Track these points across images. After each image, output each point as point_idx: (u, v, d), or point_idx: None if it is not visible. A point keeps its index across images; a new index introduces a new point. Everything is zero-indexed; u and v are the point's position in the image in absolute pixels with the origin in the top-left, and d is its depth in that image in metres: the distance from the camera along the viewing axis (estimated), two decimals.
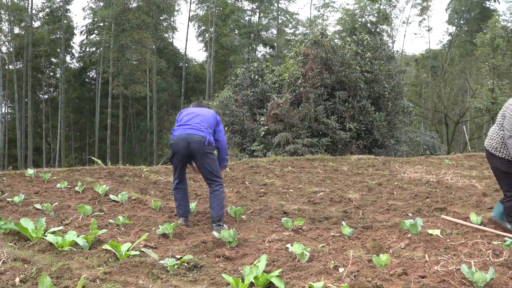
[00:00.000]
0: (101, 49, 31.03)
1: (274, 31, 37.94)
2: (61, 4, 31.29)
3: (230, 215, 5.00)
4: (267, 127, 13.28)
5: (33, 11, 30.76)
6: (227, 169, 8.90)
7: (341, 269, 3.20)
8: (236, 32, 35.69)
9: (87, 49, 36.31)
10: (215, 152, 4.93)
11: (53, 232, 3.95)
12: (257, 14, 37.25)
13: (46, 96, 34.03)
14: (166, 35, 37.47)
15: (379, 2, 33.73)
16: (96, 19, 33.23)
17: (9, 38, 29.51)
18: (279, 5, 37.61)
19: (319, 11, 40.61)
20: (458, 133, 29.38)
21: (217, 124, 4.86)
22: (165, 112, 37.72)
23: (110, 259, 3.38)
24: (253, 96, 15.14)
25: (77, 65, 36.74)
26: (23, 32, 30.20)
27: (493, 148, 4.31)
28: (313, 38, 14.48)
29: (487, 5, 33.11)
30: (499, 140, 4.25)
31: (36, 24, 32.07)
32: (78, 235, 3.83)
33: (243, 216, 5.04)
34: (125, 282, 2.94)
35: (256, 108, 14.90)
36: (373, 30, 32.99)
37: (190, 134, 4.55)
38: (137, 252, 3.51)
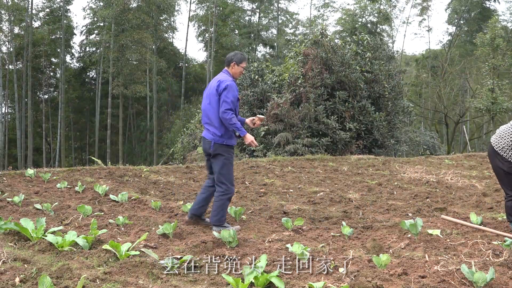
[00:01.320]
0: (101, 49, 31.03)
1: (274, 31, 37.99)
2: (61, 4, 31.30)
3: (230, 215, 4.99)
4: (267, 127, 13.28)
5: (33, 11, 30.81)
6: None
7: (341, 269, 3.20)
8: (236, 32, 35.70)
9: (87, 49, 36.32)
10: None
11: (53, 232, 3.95)
12: (257, 14, 37.28)
13: (46, 96, 34.05)
14: (166, 35, 37.49)
15: (379, 2, 33.73)
16: (96, 19, 33.23)
17: (9, 38, 29.53)
18: (279, 5, 37.67)
19: (319, 11, 40.68)
20: (458, 133, 29.36)
21: (220, 96, 4.39)
22: (165, 112, 37.71)
23: (110, 259, 3.38)
24: (253, 96, 15.14)
25: (77, 65, 36.77)
26: (23, 32, 30.21)
27: (499, 147, 4.26)
28: (313, 38, 14.48)
29: (487, 5, 33.13)
30: (508, 142, 4.20)
31: (36, 24, 32.14)
32: (78, 235, 3.83)
33: (243, 216, 5.04)
34: (125, 282, 2.94)
35: (256, 108, 14.90)
36: (373, 30, 33.00)
37: (203, 136, 4.60)
38: (137, 252, 3.51)
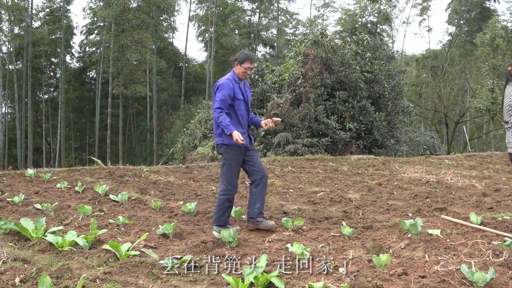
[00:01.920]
0: (101, 49, 31.03)
1: (274, 31, 37.97)
2: (61, 4, 31.30)
3: (230, 215, 4.99)
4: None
5: (33, 11, 30.82)
6: None
7: (341, 269, 3.20)
8: (236, 32, 35.68)
9: (87, 49, 36.32)
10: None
11: (53, 232, 3.95)
12: (257, 14, 37.26)
13: (46, 96, 34.05)
14: (166, 35, 37.47)
15: (379, 2, 33.72)
16: (96, 19, 33.22)
17: (9, 38, 29.53)
18: (279, 5, 37.65)
19: (319, 11, 40.69)
20: (458, 133, 29.35)
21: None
22: (165, 112, 37.70)
23: (110, 259, 3.38)
24: (253, 96, 15.13)
25: (77, 65, 36.78)
26: (23, 32, 30.21)
27: None
28: (313, 38, 14.48)
29: (487, 5, 33.11)
30: None
31: (36, 24, 32.15)
32: (78, 235, 3.83)
33: (243, 216, 5.04)
34: (125, 282, 2.94)
35: (256, 108, 14.90)
36: (373, 30, 32.99)
37: None
38: (137, 252, 3.51)
